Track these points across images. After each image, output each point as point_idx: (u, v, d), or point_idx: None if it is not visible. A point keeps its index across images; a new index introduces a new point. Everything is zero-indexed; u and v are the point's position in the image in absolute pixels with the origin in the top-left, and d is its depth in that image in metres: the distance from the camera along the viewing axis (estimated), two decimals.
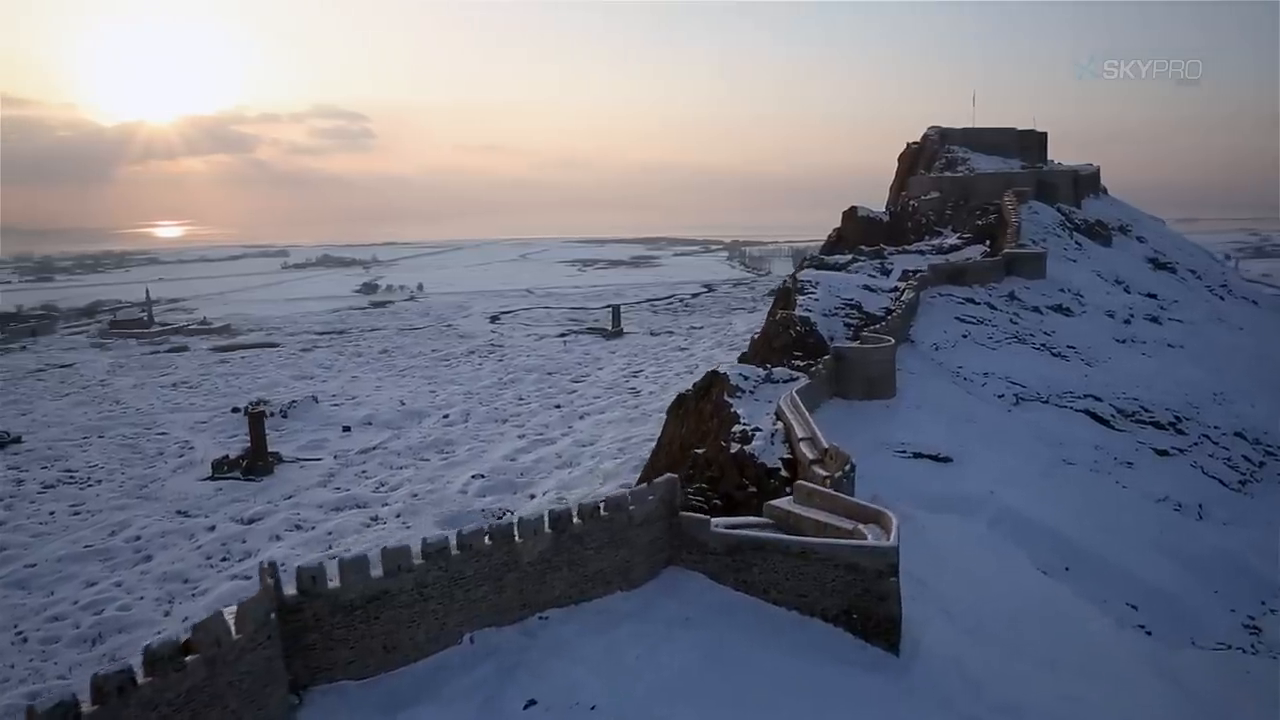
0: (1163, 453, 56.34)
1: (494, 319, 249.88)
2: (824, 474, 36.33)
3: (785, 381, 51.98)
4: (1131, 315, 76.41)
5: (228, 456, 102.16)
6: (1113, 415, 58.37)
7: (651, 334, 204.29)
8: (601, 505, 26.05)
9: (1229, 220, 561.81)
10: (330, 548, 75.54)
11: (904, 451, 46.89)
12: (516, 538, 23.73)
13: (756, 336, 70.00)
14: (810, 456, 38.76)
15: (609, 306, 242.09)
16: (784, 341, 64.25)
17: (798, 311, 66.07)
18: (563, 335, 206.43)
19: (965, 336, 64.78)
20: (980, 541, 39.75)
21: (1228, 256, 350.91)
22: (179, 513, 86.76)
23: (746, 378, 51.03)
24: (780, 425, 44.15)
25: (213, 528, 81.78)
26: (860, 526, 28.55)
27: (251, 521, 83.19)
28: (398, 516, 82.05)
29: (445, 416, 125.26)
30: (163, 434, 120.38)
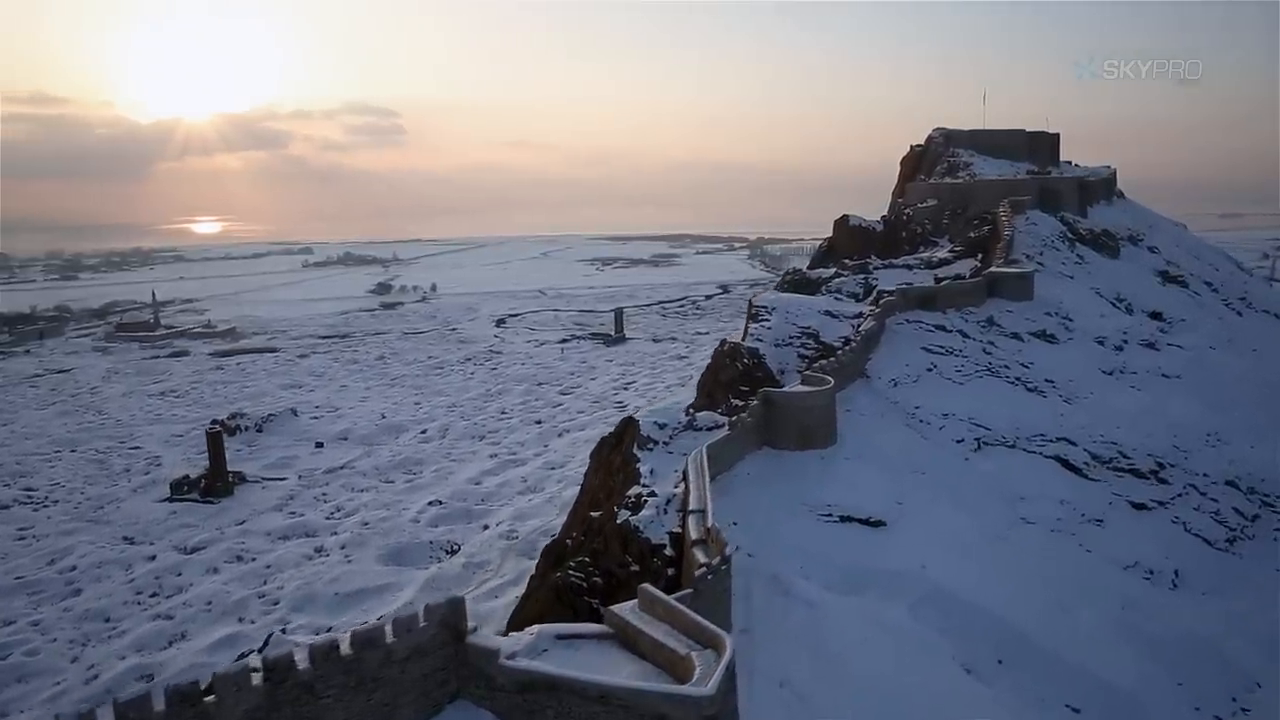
0: (1140, 506, 50.29)
1: (500, 322, 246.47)
2: (702, 561, 31.42)
3: (709, 430, 46.96)
4: (1125, 341, 69.91)
5: (188, 476, 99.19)
6: (1086, 462, 52.40)
7: (654, 340, 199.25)
8: (347, 640, 21.34)
9: (1275, 215, 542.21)
10: (265, 583, 72.09)
11: (830, 515, 41.59)
12: (208, 696, 19.06)
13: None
14: (694, 535, 33.85)
15: (616, 309, 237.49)
16: (730, 375, 59.05)
17: (747, 341, 60.94)
18: (563, 341, 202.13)
19: (930, 370, 59.02)
20: (896, 632, 34.45)
21: (1265, 256, 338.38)
22: (125, 539, 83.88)
23: (662, 426, 46.02)
24: (682, 488, 39.28)
25: (153, 558, 78.62)
26: (694, 654, 23.62)
27: (194, 551, 79.98)
28: (342, 549, 78.22)
29: (423, 432, 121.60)
30: (135, 448, 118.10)
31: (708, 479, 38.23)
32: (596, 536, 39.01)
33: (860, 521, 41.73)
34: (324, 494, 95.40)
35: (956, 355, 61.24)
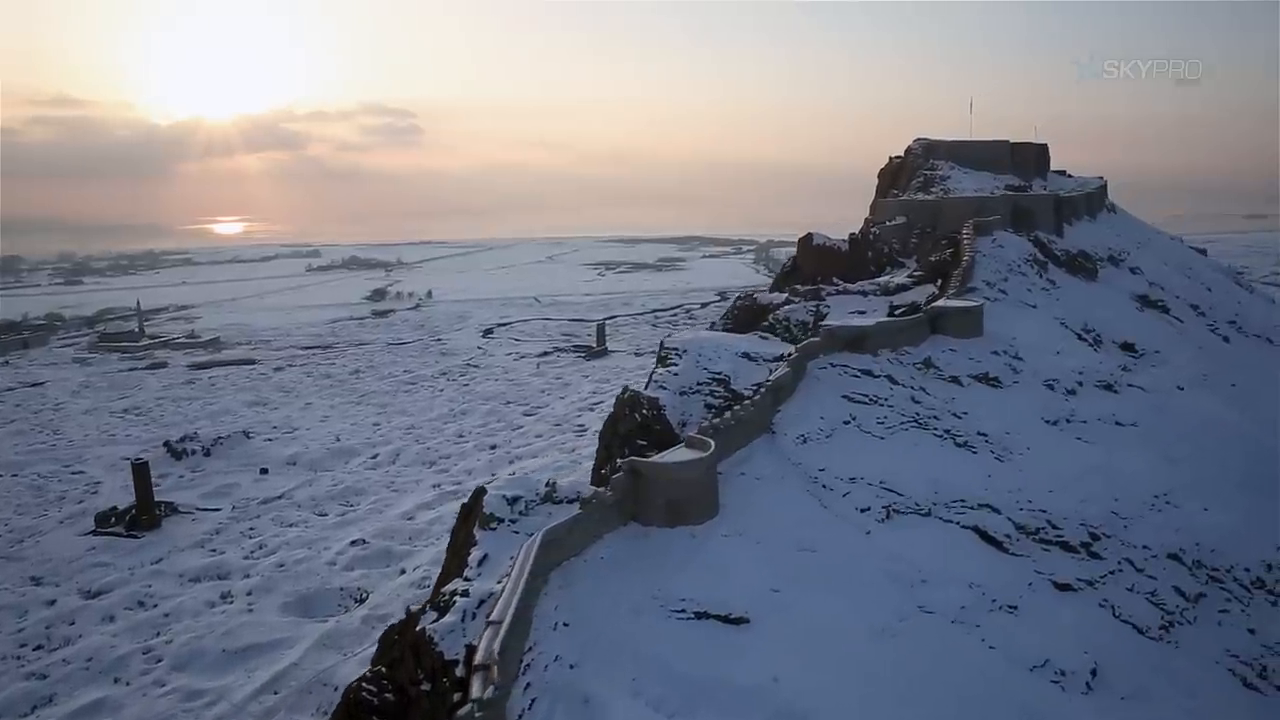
0: (1064, 587, 44.78)
1: (487, 332, 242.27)
2: (475, 695, 26.73)
3: (570, 502, 42.11)
4: (1080, 383, 63.87)
5: (115, 508, 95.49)
6: (1008, 534, 46.85)
7: (635, 354, 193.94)
8: None
9: None
10: (156, 635, 68.05)
11: (683, 611, 36.39)
12: None
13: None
14: (480, 656, 28.97)
15: (608, 318, 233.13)
16: (629, 427, 53.83)
17: (649, 389, 55.91)
18: (542, 354, 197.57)
19: (848, 422, 53.49)
20: None
21: None
22: (31, 579, 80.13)
23: (512, 500, 41.19)
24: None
25: (53, 602, 74.81)
26: None
27: (97, 595, 76.10)
28: (248, 595, 74.03)
29: (374, 456, 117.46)
30: (78, 473, 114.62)
31: (524, 578, 33.26)
32: (399, 640, 34.28)
33: (719, 618, 36.50)
34: (252, 529, 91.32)
35: (881, 404, 55.53)
